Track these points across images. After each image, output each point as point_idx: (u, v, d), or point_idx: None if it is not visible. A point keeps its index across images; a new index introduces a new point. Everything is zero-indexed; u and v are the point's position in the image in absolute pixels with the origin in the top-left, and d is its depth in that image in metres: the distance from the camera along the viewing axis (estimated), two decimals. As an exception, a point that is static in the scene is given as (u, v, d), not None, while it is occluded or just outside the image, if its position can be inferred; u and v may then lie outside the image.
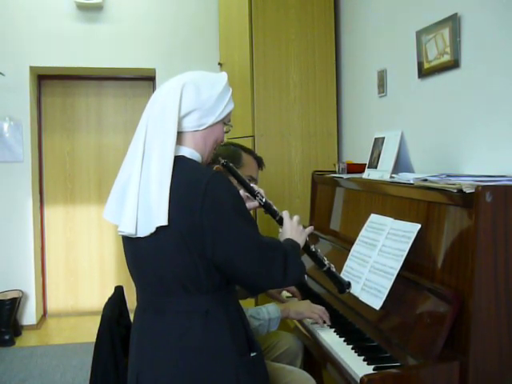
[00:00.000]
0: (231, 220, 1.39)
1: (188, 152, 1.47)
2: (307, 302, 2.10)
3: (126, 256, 1.55)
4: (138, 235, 1.41)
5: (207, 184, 1.37)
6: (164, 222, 1.35)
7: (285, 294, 2.43)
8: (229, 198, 1.40)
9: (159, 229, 1.37)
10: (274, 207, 1.73)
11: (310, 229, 1.75)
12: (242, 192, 1.70)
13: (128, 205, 1.41)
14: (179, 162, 1.41)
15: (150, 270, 1.45)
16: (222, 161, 1.66)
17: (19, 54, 4.43)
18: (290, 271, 1.48)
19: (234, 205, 1.41)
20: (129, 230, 1.40)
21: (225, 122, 1.55)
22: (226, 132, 1.59)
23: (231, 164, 1.69)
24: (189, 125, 1.47)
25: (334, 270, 1.81)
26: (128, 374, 1.53)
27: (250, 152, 2.26)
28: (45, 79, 4.90)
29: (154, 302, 1.47)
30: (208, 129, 1.49)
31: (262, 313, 1.94)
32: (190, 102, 1.45)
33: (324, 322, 2.00)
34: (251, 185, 1.71)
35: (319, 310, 2.03)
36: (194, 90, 1.46)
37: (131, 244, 1.49)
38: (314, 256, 1.75)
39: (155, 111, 1.46)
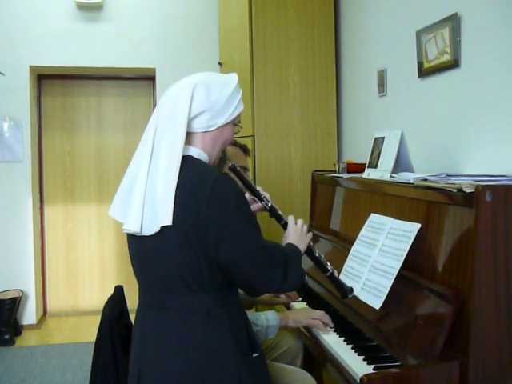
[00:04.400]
0: (235, 221, 1.40)
1: (196, 152, 1.48)
2: (306, 308, 2.10)
3: (129, 253, 1.55)
4: (143, 234, 1.42)
5: (213, 184, 1.38)
6: (168, 221, 1.36)
7: (281, 295, 2.42)
8: (234, 199, 1.41)
9: (164, 227, 1.37)
10: (280, 212, 1.73)
11: (310, 234, 1.74)
12: (247, 195, 1.71)
13: (134, 203, 1.42)
14: (187, 161, 1.42)
15: (153, 268, 1.46)
16: (230, 164, 1.66)
17: (19, 53, 4.43)
18: (290, 277, 1.48)
19: (239, 206, 1.42)
20: (134, 229, 1.41)
21: (235, 122, 1.55)
22: (236, 133, 1.59)
23: (238, 168, 1.69)
24: (199, 126, 1.48)
25: (336, 275, 1.81)
26: (129, 371, 1.53)
27: (233, 143, 2.23)
28: (45, 79, 4.90)
29: (157, 299, 1.47)
30: (217, 130, 1.50)
31: (261, 319, 1.92)
32: (201, 103, 1.46)
33: (326, 326, 1.97)
34: (257, 188, 1.72)
35: (318, 314, 2.01)
36: (205, 92, 1.46)
37: (136, 241, 1.49)
38: (317, 261, 1.75)
39: (165, 111, 1.46)
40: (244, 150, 2.27)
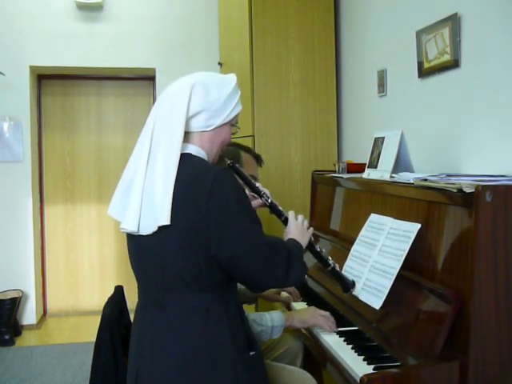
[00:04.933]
0: (237, 217, 1.40)
1: (194, 150, 1.49)
2: (312, 308, 2.06)
3: (129, 251, 1.56)
4: (141, 233, 1.42)
5: (213, 180, 1.38)
6: (166, 221, 1.36)
7: (283, 294, 2.43)
8: (234, 195, 1.41)
9: (162, 226, 1.37)
10: (280, 207, 1.73)
11: (312, 229, 1.75)
12: (247, 192, 1.71)
13: (132, 202, 1.42)
14: (185, 158, 1.43)
15: (152, 266, 1.46)
16: (229, 161, 1.66)
17: (19, 54, 4.43)
18: (293, 271, 1.49)
19: (240, 202, 1.42)
20: (131, 228, 1.42)
21: (232, 123, 1.56)
22: (233, 133, 1.59)
23: (237, 165, 1.69)
24: (196, 125, 1.48)
25: (338, 269, 1.81)
26: (128, 370, 1.54)
27: (249, 150, 2.25)
28: (45, 79, 4.90)
29: (155, 297, 1.47)
30: (215, 130, 1.50)
31: (265, 319, 1.90)
32: (199, 102, 1.46)
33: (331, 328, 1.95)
34: (257, 185, 1.72)
35: (324, 316, 1.98)
36: (203, 91, 1.47)
37: (134, 240, 1.50)
38: (318, 256, 1.76)
39: (163, 110, 1.46)
40: (257, 159, 2.27)
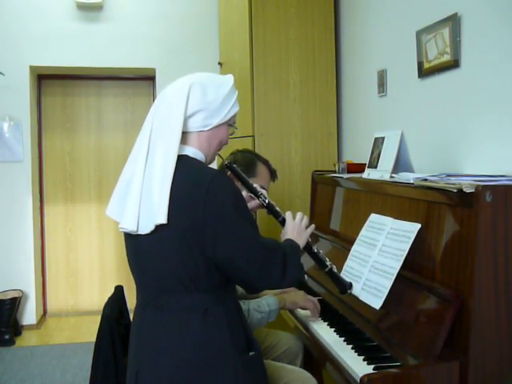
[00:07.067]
0: (233, 219, 1.40)
1: (192, 151, 1.49)
2: (301, 292, 2.17)
3: (126, 252, 1.56)
4: (139, 232, 1.42)
5: (210, 183, 1.38)
6: (163, 220, 1.36)
7: None
8: (231, 197, 1.41)
9: (161, 226, 1.38)
10: (277, 208, 1.74)
11: (311, 228, 1.75)
12: (244, 193, 1.71)
13: (130, 202, 1.43)
14: (182, 160, 1.43)
15: (150, 267, 1.46)
16: (226, 162, 1.67)
17: (19, 54, 4.43)
18: (289, 273, 1.49)
19: (236, 204, 1.42)
20: (130, 227, 1.42)
21: (230, 123, 1.56)
22: (231, 134, 1.60)
23: (235, 165, 1.70)
24: (194, 125, 1.48)
25: (335, 270, 1.81)
26: (127, 371, 1.54)
27: (266, 163, 2.25)
28: (45, 79, 4.90)
29: (154, 299, 1.47)
30: (213, 130, 1.51)
31: (263, 305, 1.97)
32: (197, 102, 1.47)
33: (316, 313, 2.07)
34: (254, 185, 1.72)
35: (313, 301, 2.09)
36: (201, 91, 1.48)
37: (132, 241, 1.50)
38: (315, 257, 1.76)
39: (161, 110, 1.47)
40: (272, 174, 2.27)
